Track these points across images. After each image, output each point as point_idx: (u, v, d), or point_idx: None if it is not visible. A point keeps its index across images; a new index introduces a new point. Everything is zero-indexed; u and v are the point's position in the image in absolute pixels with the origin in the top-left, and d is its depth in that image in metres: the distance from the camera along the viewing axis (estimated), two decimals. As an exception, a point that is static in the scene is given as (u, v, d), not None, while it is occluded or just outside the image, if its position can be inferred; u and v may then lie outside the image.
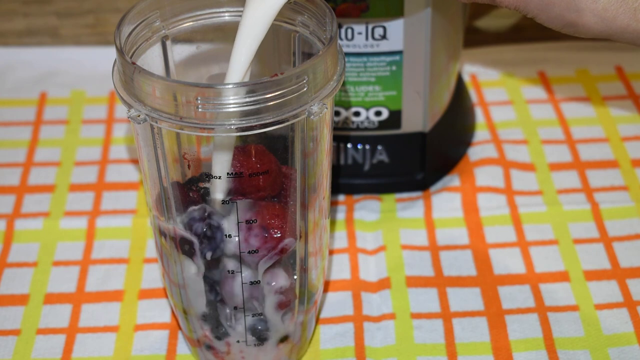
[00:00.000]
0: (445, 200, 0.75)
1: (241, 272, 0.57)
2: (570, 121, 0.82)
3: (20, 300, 0.68)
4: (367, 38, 0.69)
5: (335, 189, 0.75)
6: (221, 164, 0.56)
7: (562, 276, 0.69)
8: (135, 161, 0.79)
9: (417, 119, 0.73)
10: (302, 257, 0.58)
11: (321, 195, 0.58)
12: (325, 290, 0.68)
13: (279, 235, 0.57)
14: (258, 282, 0.58)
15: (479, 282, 0.68)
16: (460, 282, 0.68)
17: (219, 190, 0.56)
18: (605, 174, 0.77)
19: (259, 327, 0.60)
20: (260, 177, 0.56)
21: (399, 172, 0.75)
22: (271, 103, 0.52)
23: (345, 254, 0.71)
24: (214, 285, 0.58)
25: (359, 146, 0.74)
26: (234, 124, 0.52)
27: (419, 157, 0.74)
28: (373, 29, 0.69)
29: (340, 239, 0.72)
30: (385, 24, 0.68)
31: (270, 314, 0.59)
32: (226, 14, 0.60)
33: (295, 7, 0.58)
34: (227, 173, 0.56)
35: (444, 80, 0.74)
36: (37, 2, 0.89)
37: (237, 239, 0.56)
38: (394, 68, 0.70)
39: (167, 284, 0.61)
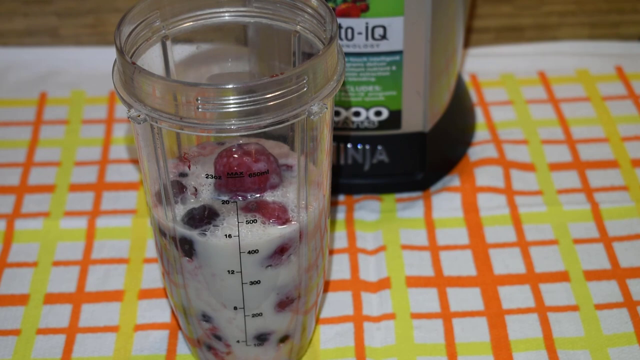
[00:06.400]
0: (445, 200, 0.75)
1: (241, 272, 0.57)
2: (570, 121, 0.82)
3: (20, 300, 0.68)
4: (367, 38, 0.69)
5: (335, 189, 0.75)
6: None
7: (562, 276, 0.69)
8: (135, 161, 0.79)
9: (417, 119, 0.73)
10: (302, 257, 0.58)
11: (321, 195, 0.58)
12: (325, 290, 0.68)
13: (278, 235, 0.57)
14: (258, 282, 0.58)
15: (479, 282, 0.68)
16: (460, 282, 0.68)
17: (219, 190, 0.56)
18: (605, 174, 0.77)
19: (259, 327, 0.60)
20: (260, 177, 0.56)
21: (399, 172, 0.75)
22: (271, 103, 0.52)
23: (345, 254, 0.71)
24: (213, 285, 0.58)
25: (359, 146, 0.74)
26: (234, 124, 0.52)
27: (419, 157, 0.74)
28: (373, 29, 0.68)
29: (340, 239, 0.72)
30: (385, 24, 0.68)
31: (270, 314, 0.59)
32: (226, 14, 0.60)
33: (295, 7, 0.58)
34: (227, 173, 0.56)
35: (444, 80, 0.74)
36: (37, 2, 0.89)
37: (237, 238, 0.56)
38: (394, 68, 0.70)
39: (167, 284, 0.61)
